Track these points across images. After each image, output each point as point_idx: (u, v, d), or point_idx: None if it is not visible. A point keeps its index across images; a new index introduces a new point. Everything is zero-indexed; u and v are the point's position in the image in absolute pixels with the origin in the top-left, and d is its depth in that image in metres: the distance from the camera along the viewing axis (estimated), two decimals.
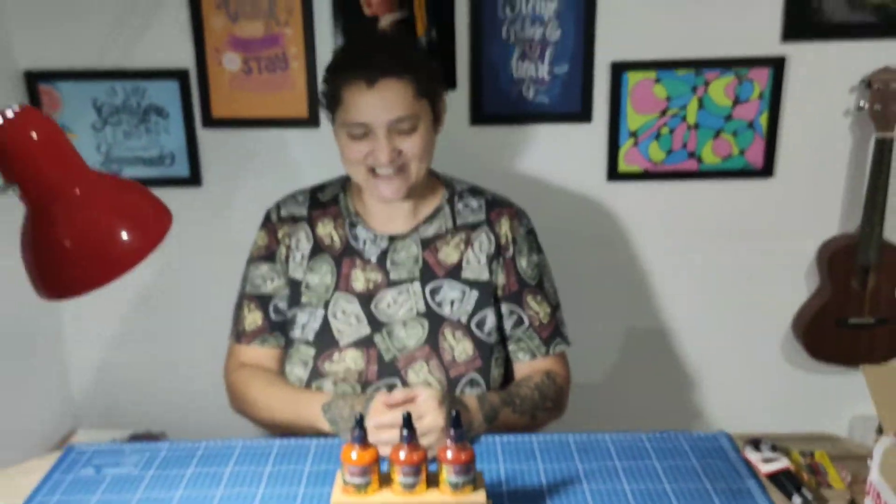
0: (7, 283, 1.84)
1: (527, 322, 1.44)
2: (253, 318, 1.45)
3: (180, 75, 1.89)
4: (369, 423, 1.18)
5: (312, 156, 1.95)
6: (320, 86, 1.43)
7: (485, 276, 1.42)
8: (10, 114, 0.78)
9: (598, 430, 1.31)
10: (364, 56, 1.35)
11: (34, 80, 1.89)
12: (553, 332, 1.46)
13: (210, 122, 1.93)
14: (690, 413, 2.14)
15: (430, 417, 1.19)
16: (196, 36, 1.86)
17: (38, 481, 1.19)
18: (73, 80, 1.90)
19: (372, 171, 1.35)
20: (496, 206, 1.48)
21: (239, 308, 1.48)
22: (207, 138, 1.95)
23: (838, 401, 1.91)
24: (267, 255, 1.46)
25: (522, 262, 1.45)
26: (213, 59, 1.88)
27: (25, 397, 1.95)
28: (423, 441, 1.14)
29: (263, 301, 1.46)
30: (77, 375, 2.14)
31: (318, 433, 1.31)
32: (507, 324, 1.44)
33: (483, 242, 1.44)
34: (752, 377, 2.12)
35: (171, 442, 1.30)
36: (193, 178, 1.96)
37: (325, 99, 1.41)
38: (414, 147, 1.33)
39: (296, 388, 1.40)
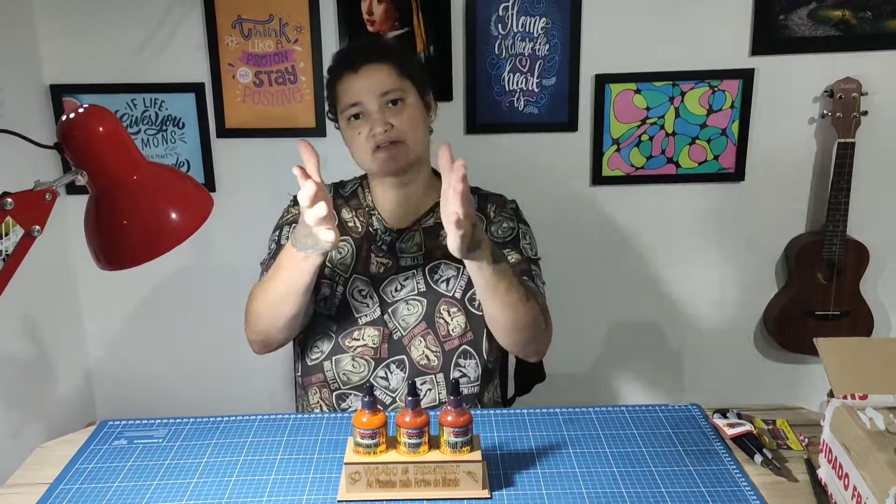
0: (33, 291, 1.97)
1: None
2: None
3: (196, 88, 2.02)
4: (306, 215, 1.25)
5: (320, 164, 2.08)
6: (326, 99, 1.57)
7: None
8: (81, 109, 0.92)
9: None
10: (347, 54, 1.54)
11: (58, 93, 2.02)
12: (521, 272, 1.50)
13: (223, 132, 2.05)
14: (668, 401, 2.25)
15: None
16: (211, 52, 1.99)
17: (74, 452, 1.29)
18: (95, 92, 2.02)
19: (375, 149, 1.47)
20: (490, 199, 1.61)
21: (272, 259, 1.51)
22: (221, 147, 2.07)
23: (808, 388, 2.03)
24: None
25: (493, 228, 1.56)
26: (226, 74, 2.01)
27: (48, 393, 2.06)
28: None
29: None
30: (97, 370, 2.25)
31: (302, 274, 1.37)
32: None
33: None
34: (726, 367, 2.24)
35: (195, 417, 1.40)
36: (208, 185, 2.08)
37: (329, 105, 1.56)
38: (404, 120, 1.47)
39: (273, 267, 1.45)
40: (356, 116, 1.48)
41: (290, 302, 1.43)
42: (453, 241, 1.23)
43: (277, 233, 1.60)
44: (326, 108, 1.59)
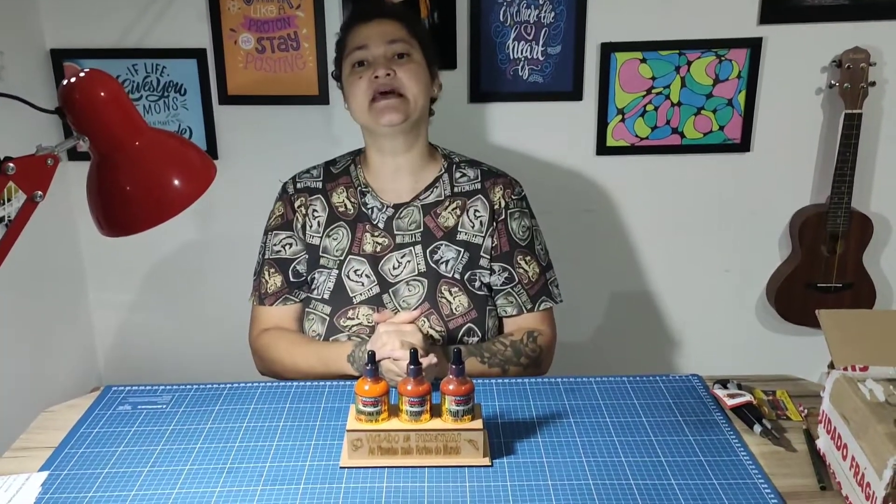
0: (36, 257, 1.98)
1: (516, 279, 1.55)
2: (274, 282, 1.57)
3: (198, 54, 2.00)
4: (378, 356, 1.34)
5: (322, 131, 2.06)
6: (333, 52, 1.60)
7: (478, 239, 1.55)
8: (82, 74, 0.91)
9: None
10: (363, 9, 1.58)
11: (59, 58, 2.00)
12: (541, 290, 1.56)
13: (226, 98, 2.03)
14: (669, 371, 2.25)
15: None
16: (213, 17, 1.97)
17: (79, 417, 1.30)
18: (96, 57, 2.00)
19: (373, 99, 1.47)
20: (491, 175, 1.60)
21: (259, 274, 1.59)
22: (223, 114, 2.06)
23: (809, 360, 2.03)
24: (284, 223, 1.58)
25: (513, 225, 1.57)
26: (228, 40, 1.98)
27: (53, 359, 2.07)
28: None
29: (283, 264, 1.57)
30: (101, 338, 2.27)
31: (346, 377, 1.45)
32: (498, 280, 1.55)
33: (478, 209, 1.56)
34: (727, 339, 2.25)
35: (198, 384, 1.41)
36: (210, 152, 2.07)
37: (336, 61, 1.58)
38: (408, 73, 1.48)
39: (318, 344, 1.52)
40: (360, 64, 1.49)
41: (314, 377, 1.48)
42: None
43: (264, 240, 1.61)
44: (332, 69, 1.60)
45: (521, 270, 1.55)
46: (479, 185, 1.58)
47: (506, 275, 1.55)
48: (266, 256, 1.59)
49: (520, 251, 1.56)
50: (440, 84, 1.60)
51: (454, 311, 1.51)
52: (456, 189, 1.58)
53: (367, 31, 1.50)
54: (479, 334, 1.52)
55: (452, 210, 1.56)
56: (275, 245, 1.58)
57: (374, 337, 1.38)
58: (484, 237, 1.55)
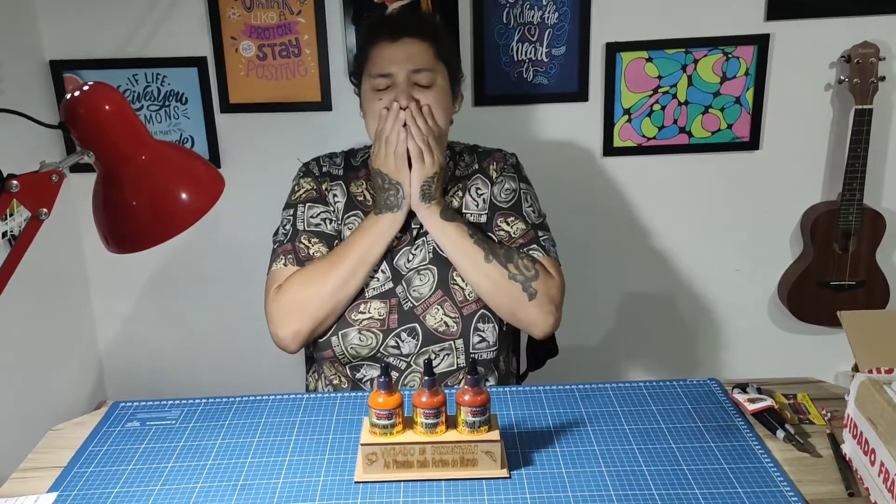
0: (41, 270, 1.96)
1: (496, 241, 1.50)
2: (318, 249, 1.50)
3: (198, 62, 1.98)
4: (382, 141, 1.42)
5: (325, 138, 2.04)
6: (353, 54, 1.56)
7: (482, 218, 1.54)
8: (85, 87, 0.89)
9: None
10: (389, 20, 1.54)
11: (59, 69, 1.98)
12: (526, 244, 1.50)
13: (227, 107, 2.02)
14: (681, 373, 2.25)
15: None
16: (213, 25, 1.95)
17: (87, 434, 1.28)
18: (96, 68, 1.99)
19: None
20: (487, 154, 1.60)
21: (293, 241, 1.51)
22: (225, 123, 2.04)
23: (823, 359, 2.01)
24: (319, 197, 1.55)
25: (495, 190, 1.55)
26: (229, 47, 1.97)
27: (58, 373, 2.05)
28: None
29: (327, 238, 1.52)
30: (105, 349, 2.25)
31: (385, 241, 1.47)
32: None
33: (479, 186, 1.55)
34: (739, 338, 2.23)
35: (207, 398, 1.38)
36: (212, 161, 2.05)
37: (355, 63, 1.54)
38: (431, 100, 1.45)
39: (344, 242, 1.48)
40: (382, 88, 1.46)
41: (362, 274, 1.46)
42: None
43: (292, 212, 1.56)
44: (348, 67, 1.56)
45: (502, 233, 1.51)
46: (476, 166, 1.58)
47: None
48: (301, 228, 1.52)
49: (500, 214, 1.52)
50: (462, 97, 1.57)
51: (467, 296, 1.49)
52: (457, 174, 1.57)
53: (392, 54, 1.45)
54: (494, 320, 1.50)
55: (454, 194, 1.55)
56: (312, 217, 1.53)
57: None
58: (485, 215, 1.54)
